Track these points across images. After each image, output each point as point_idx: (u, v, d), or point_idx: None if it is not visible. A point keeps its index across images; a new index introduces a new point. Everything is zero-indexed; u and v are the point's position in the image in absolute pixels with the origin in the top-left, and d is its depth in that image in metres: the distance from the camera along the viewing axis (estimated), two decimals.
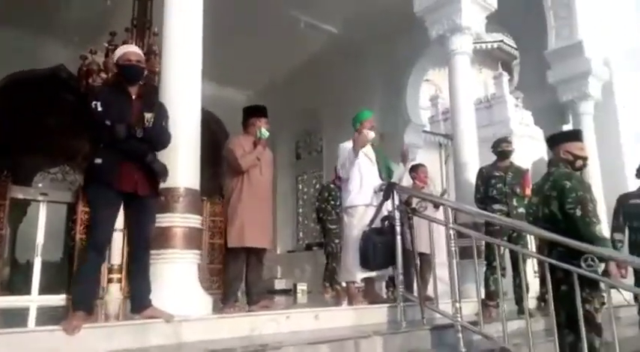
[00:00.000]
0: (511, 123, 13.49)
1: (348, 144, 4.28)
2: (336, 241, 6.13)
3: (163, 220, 3.15)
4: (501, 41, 14.94)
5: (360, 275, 4.05)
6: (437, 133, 13.61)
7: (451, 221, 3.64)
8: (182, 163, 3.29)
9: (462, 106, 5.44)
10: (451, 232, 3.60)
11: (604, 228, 6.06)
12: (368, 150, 4.33)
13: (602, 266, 2.96)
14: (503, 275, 4.85)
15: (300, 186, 11.66)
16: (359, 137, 4.18)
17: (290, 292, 9.09)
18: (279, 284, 9.80)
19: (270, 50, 9.01)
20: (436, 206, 4.48)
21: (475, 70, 16.67)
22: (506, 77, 14.09)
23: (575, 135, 3.35)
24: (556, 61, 6.69)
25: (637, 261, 3.31)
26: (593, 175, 6.52)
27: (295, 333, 3.20)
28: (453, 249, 3.59)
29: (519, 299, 4.46)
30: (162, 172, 2.88)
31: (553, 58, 6.70)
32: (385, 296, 5.05)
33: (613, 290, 2.96)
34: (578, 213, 2.91)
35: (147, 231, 2.92)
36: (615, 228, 4.43)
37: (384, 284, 5.48)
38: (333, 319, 3.55)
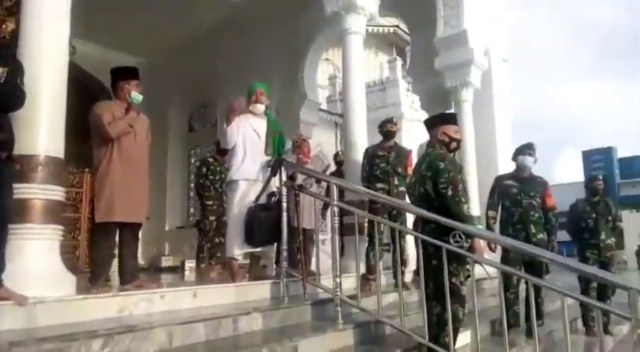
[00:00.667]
0: (402, 107, 14.12)
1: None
2: (211, 218, 5.94)
3: (19, 192, 2.79)
4: (397, 26, 15.46)
5: (239, 251, 3.98)
6: (333, 112, 13.82)
7: (335, 198, 3.68)
8: (42, 128, 2.92)
9: (354, 86, 5.51)
10: (335, 209, 3.66)
11: (474, 208, 6.63)
12: (257, 124, 4.21)
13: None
14: (387, 250, 5.07)
15: (193, 160, 11.22)
16: (233, 111, 4.05)
17: (178, 270, 8.78)
18: (167, 262, 9.43)
19: (164, 17, 8.47)
20: (318, 182, 4.52)
21: (372, 53, 17.14)
22: (399, 62, 14.65)
23: (452, 119, 3.53)
24: (443, 49, 7.02)
25: (495, 238, 3.59)
26: (470, 158, 7.02)
27: (170, 313, 3.06)
28: (336, 225, 3.65)
29: (396, 274, 4.70)
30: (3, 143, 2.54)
31: (441, 46, 7.02)
32: (275, 273, 5.05)
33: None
34: (449, 192, 3.07)
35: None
36: (490, 205, 4.78)
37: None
38: (213, 297, 3.45)
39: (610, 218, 5.42)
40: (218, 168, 6.09)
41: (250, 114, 4.26)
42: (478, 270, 3.27)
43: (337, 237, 3.66)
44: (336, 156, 7.14)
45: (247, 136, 4.11)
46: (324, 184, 4.85)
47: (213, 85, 10.01)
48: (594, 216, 5.39)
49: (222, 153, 5.98)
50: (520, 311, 4.51)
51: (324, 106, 14.49)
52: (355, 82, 5.51)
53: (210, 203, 6.00)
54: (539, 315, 4.38)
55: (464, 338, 3.47)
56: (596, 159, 50.52)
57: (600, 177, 5.72)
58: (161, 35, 9.38)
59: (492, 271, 3.33)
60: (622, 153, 51.83)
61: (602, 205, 5.45)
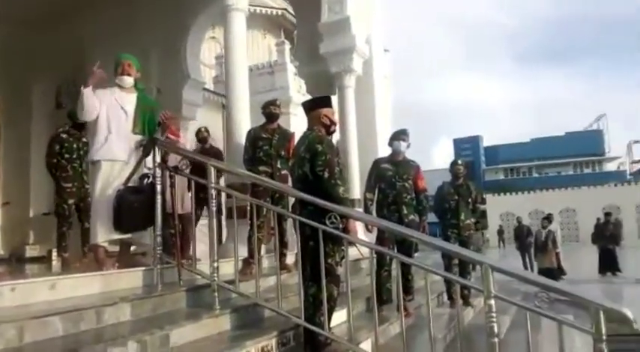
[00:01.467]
0: (291, 91, 14.15)
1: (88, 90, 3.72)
2: (70, 201, 5.37)
3: None
4: (285, 9, 15.40)
5: (105, 237, 3.69)
6: (219, 93, 13.41)
7: (213, 181, 3.56)
8: None
9: (237, 64, 5.37)
10: (213, 192, 3.55)
11: (356, 190, 6.88)
12: (125, 99, 3.87)
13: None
14: (274, 234, 5.06)
15: None
16: (93, 75, 3.69)
17: (44, 260, 8.00)
18: (32, 252, 8.57)
19: None
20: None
21: (260, 35, 16.92)
22: (288, 45, 14.63)
23: (330, 102, 3.58)
24: (327, 34, 7.12)
25: (367, 218, 3.73)
26: (352, 142, 7.25)
27: (23, 307, 2.75)
28: (214, 208, 3.55)
29: (280, 255, 4.72)
30: None
31: (325, 31, 7.11)
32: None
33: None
34: (326, 174, 3.12)
35: None
36: (367, 188, 4.98)
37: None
38: (75, 288, 3.17)
39: (470, 200, 5.94)
40: (75, 145, 5.47)
41: (117, 88, 3.90)
42: (354, 251, 3.40)
43: (215, 221, 3.56)
44: (198, 132, 6.38)
45: (112, 112, 3.75)
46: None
47: (84, 58, 9.15)
48: (456, 198, 5.87)
49: (79, 127, 5.46)
50: (393, 288, 4.77)
51: (210, 86, 14.03)
52: (238, 61, 5.38)
53: (68, 185, 5.37)
54: (410, 291, 4.68)
55: (340, 316, 3.59)
56: (466, 147, 55.51)
57: (460, 162, 6.20)
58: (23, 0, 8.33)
59: (366, 251, 3.46)
60: (488, 142, 57.42)
61: (464, 188, 5.95)
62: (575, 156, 51.87)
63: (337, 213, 3.02)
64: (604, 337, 2.34)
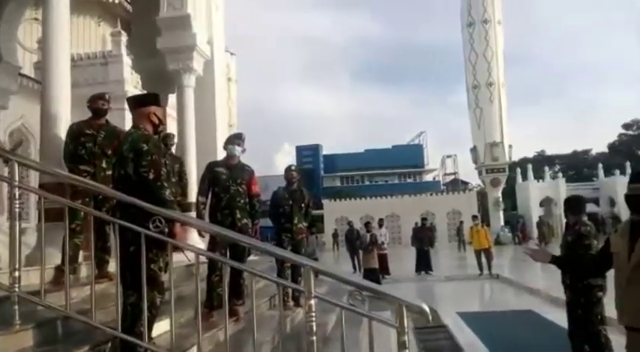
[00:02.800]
0: (126, 85, 13.21)
1: None
2: None
3: None
4: None
5: None
6: (39, 81, 11.95)
7: (17, 179, 3.13)
8: None
9: (56, 50, 4.79)
10: (16, 192, 3.11)
11: (192, 193, 6.67)
12: None
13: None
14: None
15: None
16: None
17: None
18: None
19: None
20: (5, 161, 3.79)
21: (93, 23, 15.54)
22: (125, 36, 13.68)
23: (159, 100, 3.41)
24: (166, 29, 6.81)
25: (194, 222, 3.62)
26: (190, 144, 7.03)
27: None
28: (17, 210, 3.12)
29: (103, 262, 4.36)
30: None
31: (164, 25, 6.80)
32: None
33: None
34: (151, 176, 2.97)
35: None
36: (200, 191, 4.84)
37: None
38: None
39: (303, 205, 6.18)
40: None
41: None
42: (181, 256, 3.27)
43: (17, 224, 3.13)
44: None
45: None
46: None
47: None
48: (290, 203, 6.07)
49: None
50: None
51: (31, 73, 12.44)
52: (58, 45, 4.81)
53: None
54: (241, 295, 4.67)
55: (164, 325, 3.42)
56: (307, 155, 57.95)
57: (293, 168, 6.44)
58: None
59: (194, 256, 3.36)
60: (327, 150, 60.70)
61: (297, 193, 6.17)
62: (400, 167, 57.60)
63: (162, 217, 2.88)
64: (406, 330, 2.62)
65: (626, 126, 49.81)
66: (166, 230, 2.99)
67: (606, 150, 49.77)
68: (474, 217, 18.31)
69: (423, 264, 15.07)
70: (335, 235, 31.19)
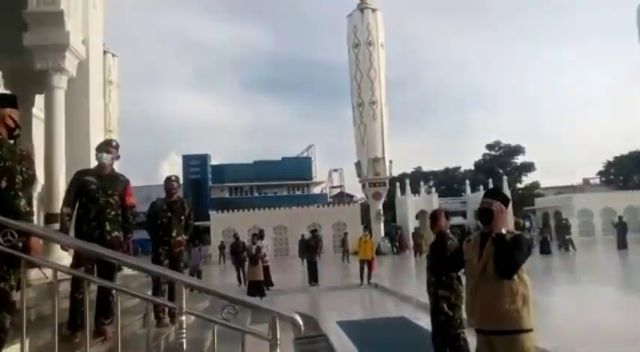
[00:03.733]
0: None
1: None
2: None
3: None
4: None
5: None
6: None
7: None
8: None
9: None
10: None
11: (59, 203, 6.13)
12: None
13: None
14: None
15: None
16: None
17: None
18: None
19: None
20: None
21: None
22: None
23: (16, 102, 3.12)
24: (35, 25, 6.23)
25: (51, 236, 3.29)
26: (59, 150, 6.48)
27: None
28: None
29: None
30: None
31: (32, 21, 6.22)
32: None
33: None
34: (4, 184, 2.69)
35: None
36: (66, 202, 4.44)
37: None
38: None
39: (184, 217, 5.96)
40: None
41: None
42: (38, 273, 2.99)
43: None
44: None
45: None
46: None
47: None
48: (169, 215, 5.83)
49: None
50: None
51: None
52: None
53: None
54: (110, 313, 4.37)
55: (15, 350, 3.09)
56: (194, 164, 56.19)
57: (173, 177, 6.17)
58: None
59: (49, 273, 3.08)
60: (216, 160, 59.43)
61: (177, 205, 5.94)
62: (289, 179, 58.24)
63: (15, 230, 2.62)
64: (279, 341, 2.65)
65: (489, 147, 55.27)
66: (20, 244, 2.73)
67: (473, 167, 54.78)
68: (365, 228, 19.17)
69: (314, 274, 15.35)
70: (221, 247, 30.56)
